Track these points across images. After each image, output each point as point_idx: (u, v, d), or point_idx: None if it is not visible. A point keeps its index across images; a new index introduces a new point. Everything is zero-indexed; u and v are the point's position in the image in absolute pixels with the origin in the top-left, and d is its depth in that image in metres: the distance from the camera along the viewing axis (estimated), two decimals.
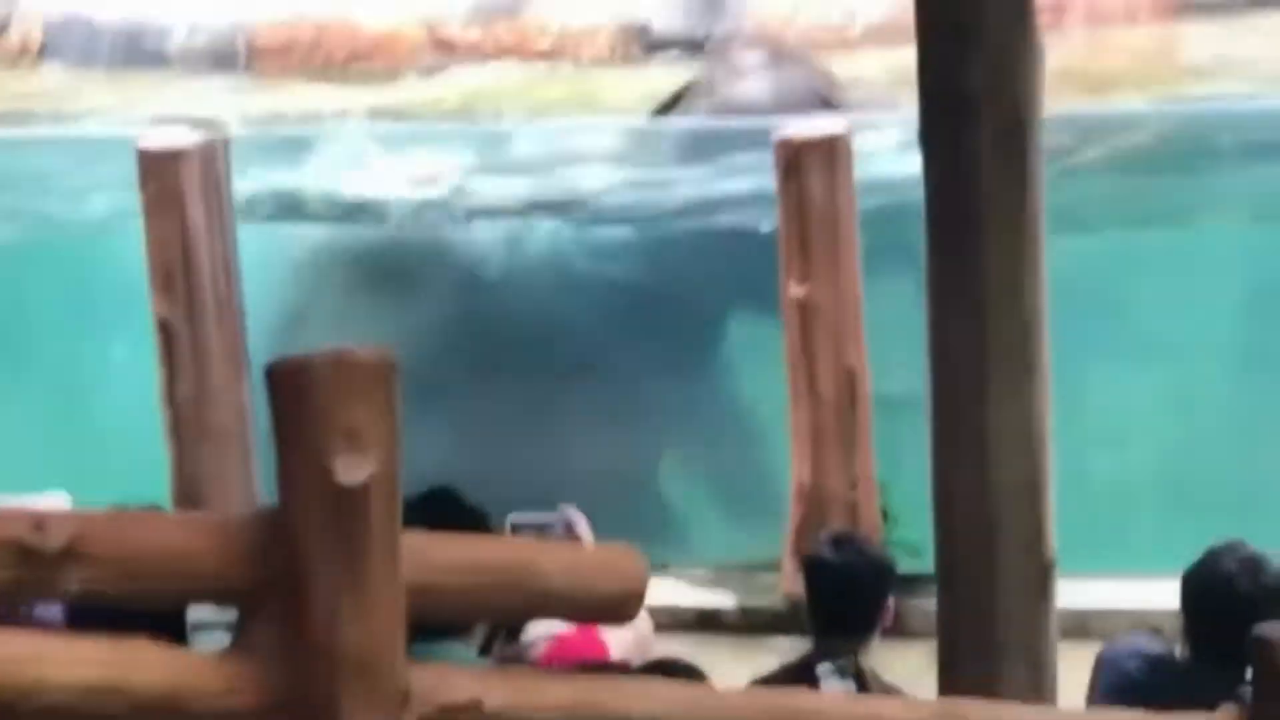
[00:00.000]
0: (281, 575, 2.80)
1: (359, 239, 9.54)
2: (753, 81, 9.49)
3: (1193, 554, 5.19)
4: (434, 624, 3.25)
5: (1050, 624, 3.99)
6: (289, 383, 2.81)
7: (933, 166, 3.88)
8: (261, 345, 8.32)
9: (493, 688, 2.94)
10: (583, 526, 5.81)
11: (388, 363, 2.82)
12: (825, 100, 8.98)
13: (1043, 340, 3.90)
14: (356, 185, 9.69)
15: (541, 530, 5.69)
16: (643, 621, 5.89)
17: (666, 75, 12.72)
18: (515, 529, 5.60)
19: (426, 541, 2.96)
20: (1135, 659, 5.27)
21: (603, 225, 9.22)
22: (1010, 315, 3.87)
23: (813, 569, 5.53)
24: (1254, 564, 5.07)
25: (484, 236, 9.43)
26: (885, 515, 7.77)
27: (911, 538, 7.23)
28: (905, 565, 6.42)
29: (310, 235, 9.60)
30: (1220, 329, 8.74)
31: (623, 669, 4.69)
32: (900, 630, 5.73)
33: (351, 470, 2.78)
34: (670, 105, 9.79)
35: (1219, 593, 5.01)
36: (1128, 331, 8.79)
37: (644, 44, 13.33)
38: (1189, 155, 8.90)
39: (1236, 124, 9.06)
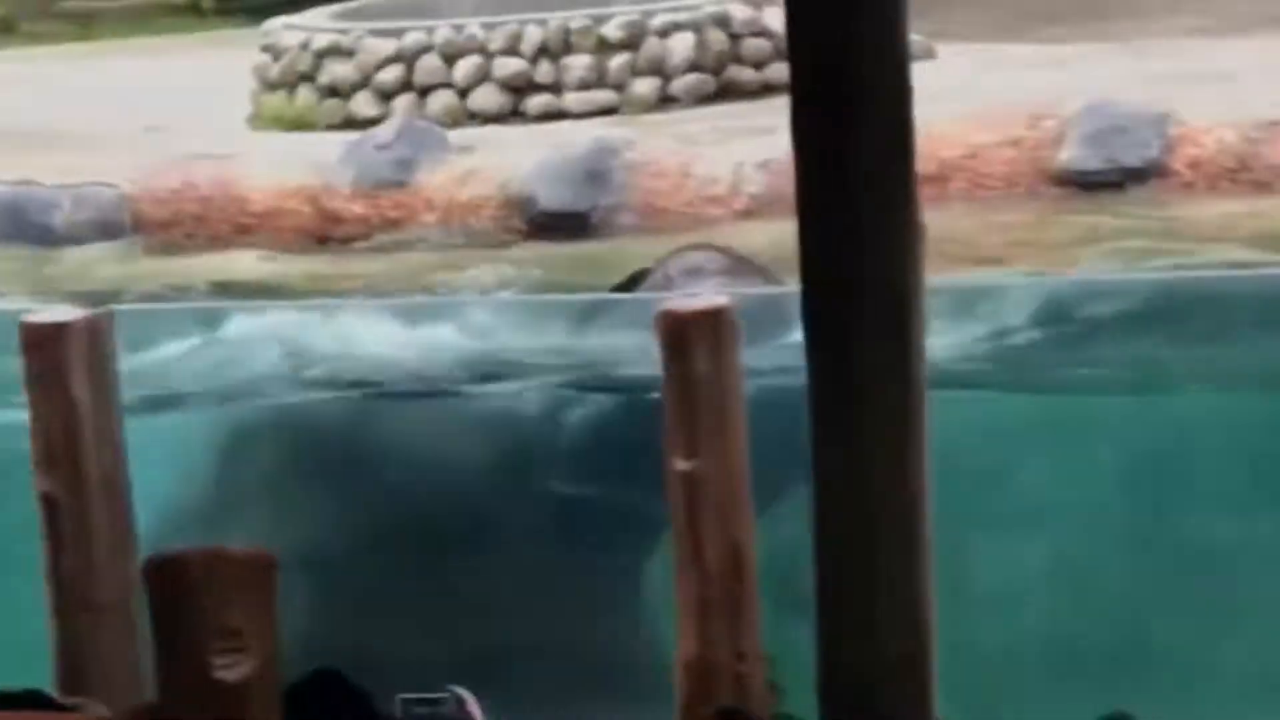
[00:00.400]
0: None
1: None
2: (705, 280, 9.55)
3: None
4: None
5: None
6: (166, 579, 2.81)
7: (813, 342, 3.91)
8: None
9: None
10: (473, 705, 5.82)
11: (266, 561, 2.83)
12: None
13: (926, 516, 3.93)
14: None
15: (434, 708, 5.70)
16: None
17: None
18: (406, 707, 5.60)
19: None
20: None
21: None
22: (894, 492, 3.89)
23: None
24: None
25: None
26: (773, 688, 7.77)
27: (800, 712, 7.24)
28: None
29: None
30: (1101, 496, 8.82)
31: None
32: None
33: (230, 668, 2.78)
34: (626, 286, 9.88)
35: None
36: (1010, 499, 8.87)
37: (528, 216, 13.40)
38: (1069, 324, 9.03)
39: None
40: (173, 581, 2.66)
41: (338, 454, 9.49)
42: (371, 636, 7.69)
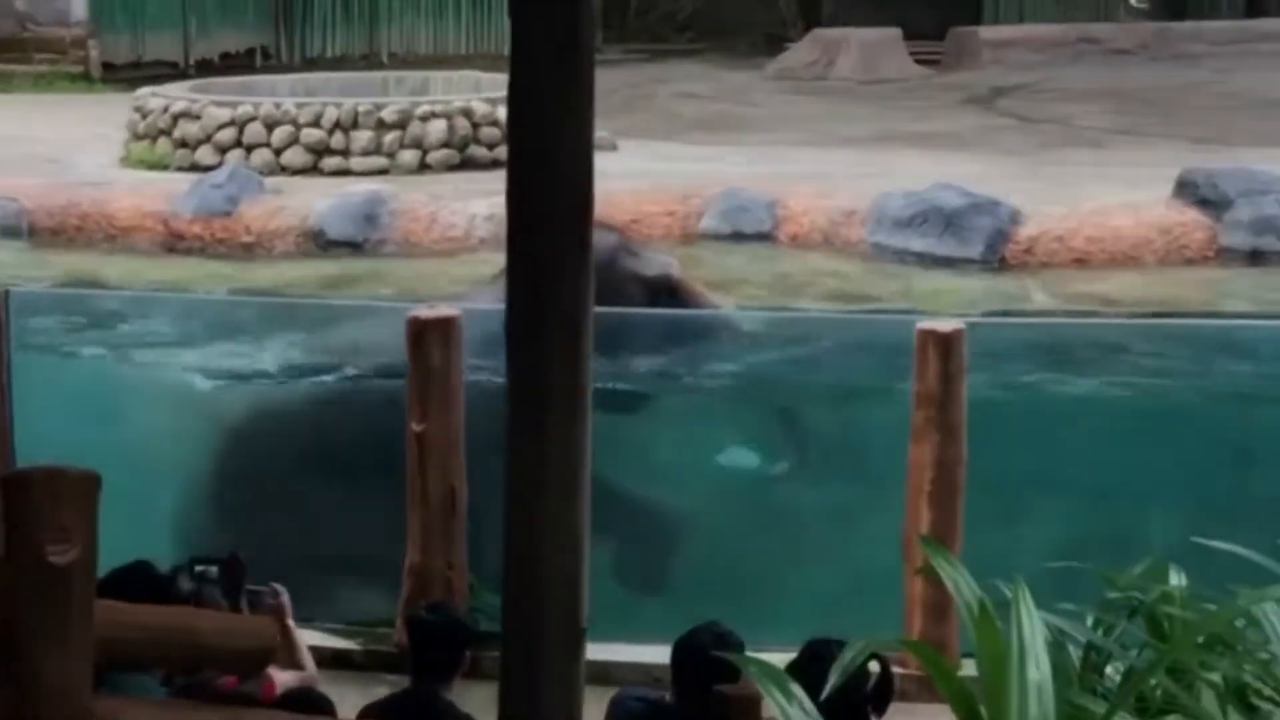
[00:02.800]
0: (5, 626, 2.74)
1: None
2: None
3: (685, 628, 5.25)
4: (124, 663, 3.21)
5: (580, 674, 3.99)
6: (17, 489, 2.77)
7: (513, 353, 3.90)
8: None
9: (158, 713, 2.90)
10: (285, 597, 5.83)
11: (91, 478, 2.80)
12: None
13: (585, 470, 3.92)
14: None
15: (257, 595, 5.74)
16: (308, 662, 5.85)
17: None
18: (249, 594, 5.64)
19: (114, 607, 2.93)
20: (637, 702, 5.30)
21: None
22: (564, 449, 3.89)
23: (411, 626, 5.52)
24: (721, 637, 5.13)
25: None
26: (471, 589, 7.74)
27: (489, 606, 7.24)
28: (485, 626, 6.43)
29: None
30: None
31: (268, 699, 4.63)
32: (478, 673, 5.71)
33: (60, 554, 2.74)
34: None
35: (696, 657, 5.07)
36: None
37: (320, 243, 13.29)
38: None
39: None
40: (21, 491, 2.64)
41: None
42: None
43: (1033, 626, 3.97)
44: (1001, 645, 3.92)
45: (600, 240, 9.18)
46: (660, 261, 9.55)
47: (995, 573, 4.57)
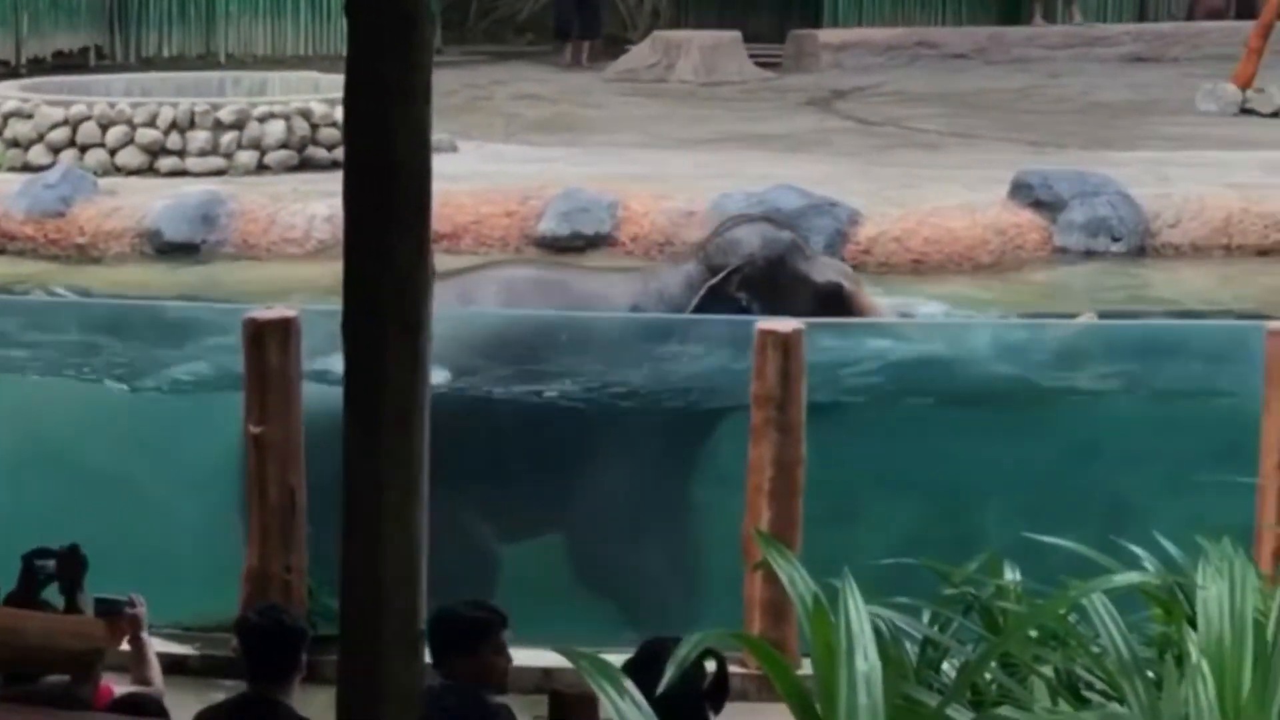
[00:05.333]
0: None
1: None
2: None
3: None
4: None
5: (419, 676, 3.99)
6: None
7: (351, 352, 3.89)
8: None
9: None
10: (143, 608, 5.77)
11: None
12: None
13: (423, 472, 3.92)
14: None
15: (113, 606, 5.65)
16: (156, 678, 5.78)
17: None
18: (98, 603, 5.55)
19: None
20: None
21: None
22: (401, 448, 3.89)
23: (241, 630, 5.51)
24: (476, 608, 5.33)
25: None
26: (310, 592, 7.70)
27: (328, 609, 7.19)
28: (325, 629, 6.39)
29: None
30: None
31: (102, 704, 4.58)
32: (319, 677, 5.67)
33: None
34: None
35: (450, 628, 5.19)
36: None
37: (155, 245, 13.15)
38: None
39: None
40: None
41: None
42: None
43: (860, 620, 4.02)
44: (832, 639, 3.96)
45: (772, 237, 9.14)
46: (835, 268, 9.27)
47: (840, 570, 4.62)
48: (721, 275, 8.65)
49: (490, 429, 8.32)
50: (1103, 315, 10.01)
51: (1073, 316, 9.63)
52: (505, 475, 8.49)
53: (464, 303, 8.64)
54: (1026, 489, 8.36)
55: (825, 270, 9.08)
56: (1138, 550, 4.94)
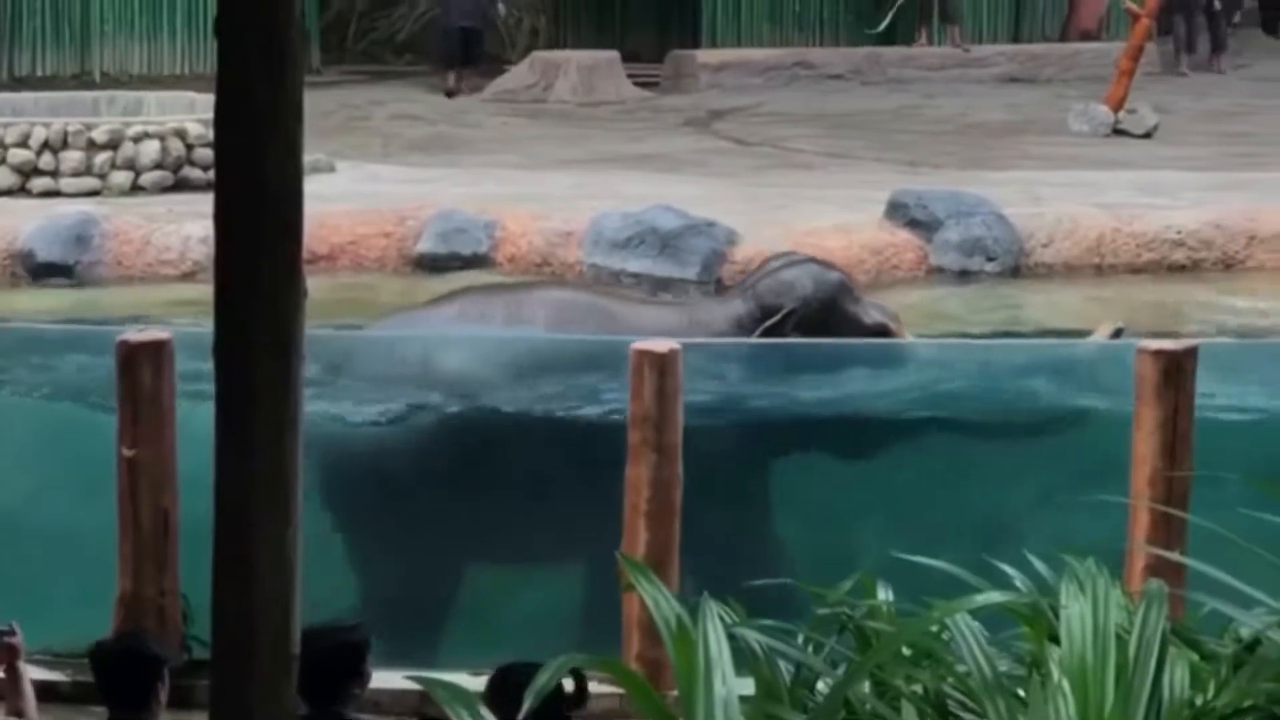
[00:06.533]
0: None
1: None
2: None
3: None
4: None
5: (292, 699, 3.96)
6: None
7: (222, 375, 3.86)
8: None
9: None
10: (20, 637, 5.71)
11: None
12: None
13: (297, 495, 3.89)
14: None
15: None
16: (31, 710, 5.72)
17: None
18: None
19: None
20: None
21: None
22: (273, 470, 3.86)
23: (95, 657, 5.46)
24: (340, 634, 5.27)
25: None
26: (185, 617, 7.63)
27: (202, 633, 7.13)
28: (200, 653, 6.33)
29: None
30: None
31: None
32: (192, 702, 5.63)
33: None
34: None
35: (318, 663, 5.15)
36: None
37: (28, 266, 13.02)
38: None
39: None
40: None
41: None
42: None
43: (719, 643, 4.04)
44: (692, 662, 3.98)
45: (823, 279, 9.21)
46: (880, 309, 9.38)
47: (722, 590, 4.64)
48: (779, 316, 8.77)
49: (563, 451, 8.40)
50: (977, 336, 10.10)
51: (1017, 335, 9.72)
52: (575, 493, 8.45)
53: (514, 323, 8.72)
54: (905, 509, 8.41)
55: (872, 311, 9.24)
56: (1009, 570, 4.98)
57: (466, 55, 23.25)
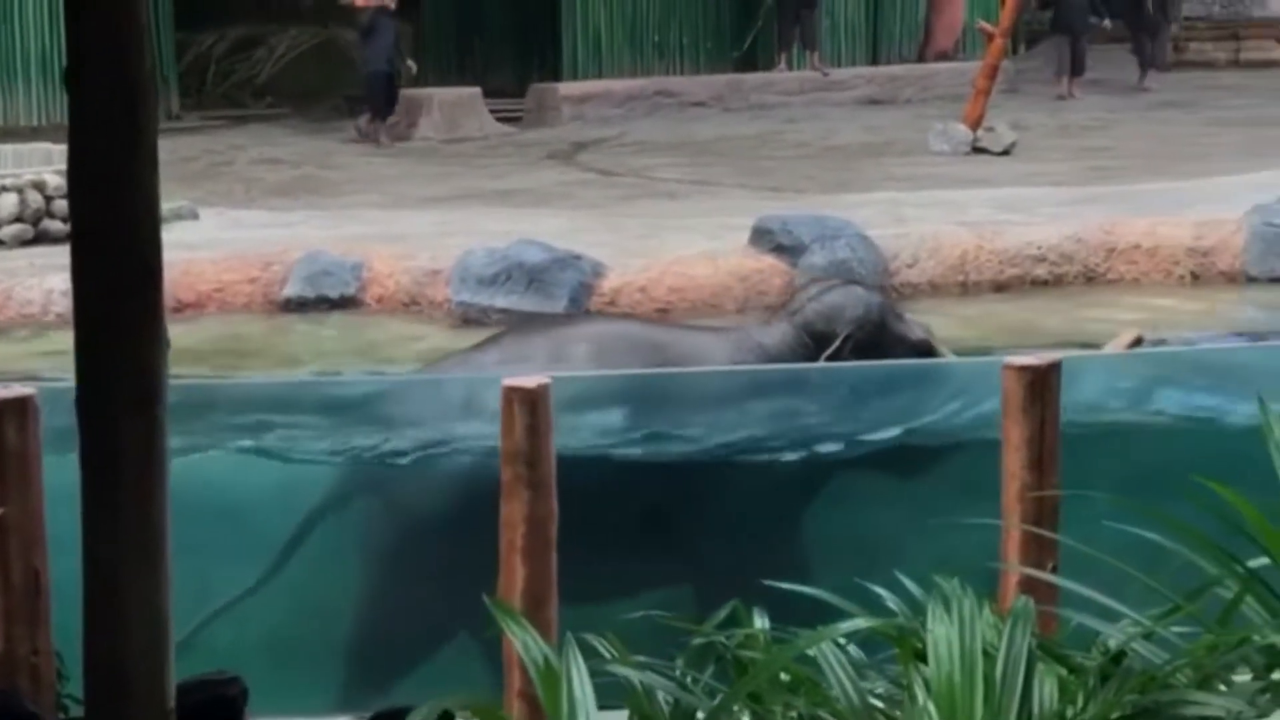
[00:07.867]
0: None
1: None
2: None
3: None
4: None
5: None
6: None
7: (85, 427, 3.81)
8: None
9: None
10: None
11: None
12: None
13: (166, 544, 3.85)
14: None
15: None
16: None
17: None
18: None
19: None
20: None
21: None
22: (141, 524, 3.82)
23: None
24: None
25: None
26: (60, 675, 7.52)
27: (77, 691, 7.04)
28: (77, 712, 6.26)
29: None
30: None
31: None
32: None
33: None
34: None
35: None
36: None
37: None
38: None
39: None
40: None
41: None
42: None
43: (582, 682, 4.06)
44: (557, 702, 3.99)
45: (869, 301, 9.16)
46: (922, 326, 9.40)
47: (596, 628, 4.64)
48: (839, 343, 8.78)
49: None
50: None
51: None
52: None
53: (556, 361, 8.56)
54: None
55: (914, 328, 9.30)
56: (882, 592, 5.01)
57: (390, 101, 22.65)
